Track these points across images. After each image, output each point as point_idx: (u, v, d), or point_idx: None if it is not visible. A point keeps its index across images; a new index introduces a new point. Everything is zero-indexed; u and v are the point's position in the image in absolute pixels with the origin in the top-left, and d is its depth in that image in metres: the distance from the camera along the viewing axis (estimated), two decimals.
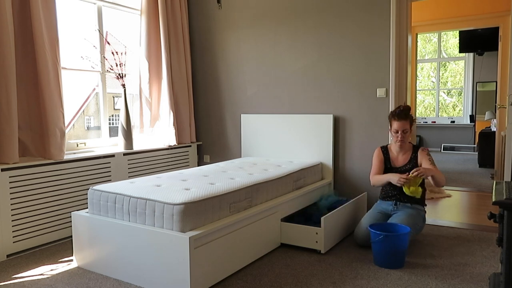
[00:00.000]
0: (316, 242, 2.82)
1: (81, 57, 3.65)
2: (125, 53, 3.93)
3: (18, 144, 2.98)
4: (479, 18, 5.92)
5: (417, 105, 9.07)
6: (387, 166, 3.07)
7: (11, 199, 2.86)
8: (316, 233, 2.81)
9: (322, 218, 2.80)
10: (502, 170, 4.39)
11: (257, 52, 4.17)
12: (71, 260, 2.81)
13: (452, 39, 9.20)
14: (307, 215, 3.24)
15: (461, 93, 9.18)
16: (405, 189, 2.81)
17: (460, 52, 8.07)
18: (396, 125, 2.93)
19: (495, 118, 6.49)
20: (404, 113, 2.92)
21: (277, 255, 2.83)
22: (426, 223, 3.49)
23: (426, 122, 9.25)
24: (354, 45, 3.64)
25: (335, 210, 2.99)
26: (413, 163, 2.98)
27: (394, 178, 2.86)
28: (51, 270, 2.64)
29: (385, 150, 3.11)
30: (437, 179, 2.82)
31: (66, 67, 3.48)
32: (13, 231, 2.89)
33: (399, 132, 2.92)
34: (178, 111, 4.29)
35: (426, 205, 3.07)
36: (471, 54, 8.52)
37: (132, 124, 3.92)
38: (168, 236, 2.21)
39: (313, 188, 3.45)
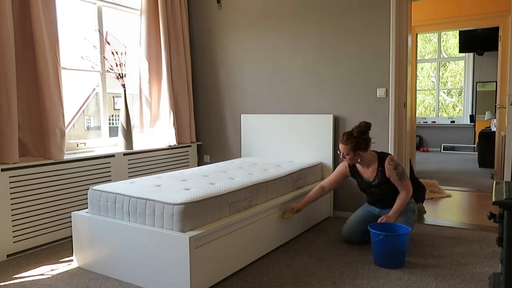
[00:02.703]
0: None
1: (81, 57, 3.65)
2: (125, 53, 3.93)
3: (18, 144, 2.98)
4: (479, 18, 5.92)
5: (417, 105, 9.06)
6: (359, 180, 3.02)
7: (11, 199, 2.86)
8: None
9: None
10: (502, 170, 4.39)
11: (257, 52, 4.17)
12: (71, 260, 2.81)
13: (452, 39, 9.21)
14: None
15: (461, 93, 9.19)
16: (284, 216, 2.99)
17: (460, 52, 8.08)
18: (340, 146, 2.91)
19: (495, 118, 6.49)
20: (347, 136, 2.85)
21: (277, 255, 2.83)
22: (426, 223, 3.49)
23: (426, 122, 9.26)
24: (354, 45, 3.64)
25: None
26: (380, 177, 2.89)
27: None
28: (51, 270, 2.64)
29: (352, 164, 3.04)
30: (402, 208, 2.83)
31: (66, 67, 3.48)
32: (13, 231, 2.89)
33: (341, 154, 2.91)
34: (178, 111, 4.29)
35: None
36: (471, 54, 8.53)
37: (132, 124, 3.92)
38: (168, 236, 2.21)
39: (313, 188, 3.44)
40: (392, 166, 2.85)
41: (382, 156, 2.92)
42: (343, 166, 3.10)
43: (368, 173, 2.96)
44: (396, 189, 2.90)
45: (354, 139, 2.83)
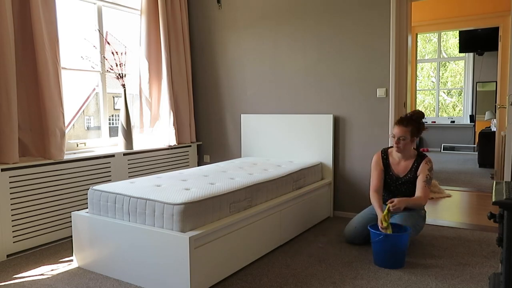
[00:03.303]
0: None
1: (81, 57, 3.65)
2: (125, 53, 3.93)
3: (18, 144, 2.98)
4: (479, 18, 5.92)
5: (417, 105, 9.05)
6: (388, 173, 2.95)
7: (11, 199, 2.86)
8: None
9: None
10: (502, 170, 4.39)
11: (257, 52, 4.17)
12: (71, 260, 2.81)
13: (452, 39, 9.21)
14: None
15: (461, 93, 9.19)
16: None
17: (460, 52, 8.08)
18: (394, 129, 2.86)
19: (495, 118, 6.49)
20: (406, 120, 2.85)
21: (277, 255, 2.83)
22: (426, 223, 3.49)
23: (426, 122, 9.25)
24: (354, 45, 3.64)
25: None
26: (413, 173, 2.87)
27: (378, 217, 2.72)
28: (51, 270, 2.64)
29: (385, 155, 3.00)
30: (413, 205, 2.77)
31: (66, 67, 3.48)
32: (13, 231, 2.89)
33: (395, 138, 2.84)
34: (178, 111, 4.29)
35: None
36: (471, 54, 8.52)
37: (132, 124, 3.92)
38: (168, 236, 2.21)
39: (313, 188, 3.45)
40: (427, 167, 2.83)
41: (421, 155, 2.90)
42: (377, 160, 2.98)
43: (400, 167, 2.92)
44: None
45: (414, 122, 2.83)
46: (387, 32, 3.47)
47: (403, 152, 2.89)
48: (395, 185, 2.94)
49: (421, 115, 2.90)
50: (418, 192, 2.80)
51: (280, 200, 2.98)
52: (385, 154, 3.01)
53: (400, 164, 2.94)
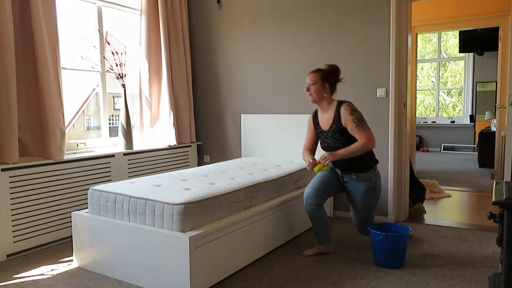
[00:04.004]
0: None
1: (81, 57, 3.65)
2: (125, 53, 3.93)
3: (18, 144, 2.98)
4: (479, 18, 5.92)
5: (417, 105, 9.05)
6: (318, 130, 2.84)
7: (11, 199, 2.86)
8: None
9: None
10: (502, 170, 4.39)
11: (257, 52, 4.17)
12: (71, 260, 2.81)
13: (452, 39, 9.21)
14: None
15: (461, 93, 9.19)
16: (315, 169, 2.69)
17: (460, 52, 8.08)
18: (306, 80, 2.79)
19: (495, 118, 6.49)
20: (316, 68, 2.81)
21: (277, 255, 2.83)
22: (426, 223, 3.49)
23: (426, 122, 9.26)
24: (354, 45, 3.64)
25: None
26: (336, 124, 2.68)
27: (305, 161, 2.71)
28: (51, 270, 2.65)
29: (315, 114, 2.90)
30: (354, 153, 2.60)
31: (66, 67, 3.48)
32: (13, 231, 2.89)
33: (306, 86, 2.77)
34: (178, 111, 4.29)
35: (377, 162, 2.82)
36: (471, 54, 8.53)
37: (132, 124, 3.92)
38: (168, 236, 2.21)
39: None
40: (348, 111, 2.64)
41: (341, 102, 2.74)
42: (309, 122, 2.93)
43: (324, 121, 2.79)
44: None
45: (324, 70, 2.79)
46: (387, 32, 3.47)
47: (318, 102, 2.77)
48: (327, 141, 2.79)
49: (335, 66, 2.81)
50: (358, 139, 2.62)
51: (280, 200, 2.98)
52: (315, 113, 2.91)
53: (324, 118, 2.80)
